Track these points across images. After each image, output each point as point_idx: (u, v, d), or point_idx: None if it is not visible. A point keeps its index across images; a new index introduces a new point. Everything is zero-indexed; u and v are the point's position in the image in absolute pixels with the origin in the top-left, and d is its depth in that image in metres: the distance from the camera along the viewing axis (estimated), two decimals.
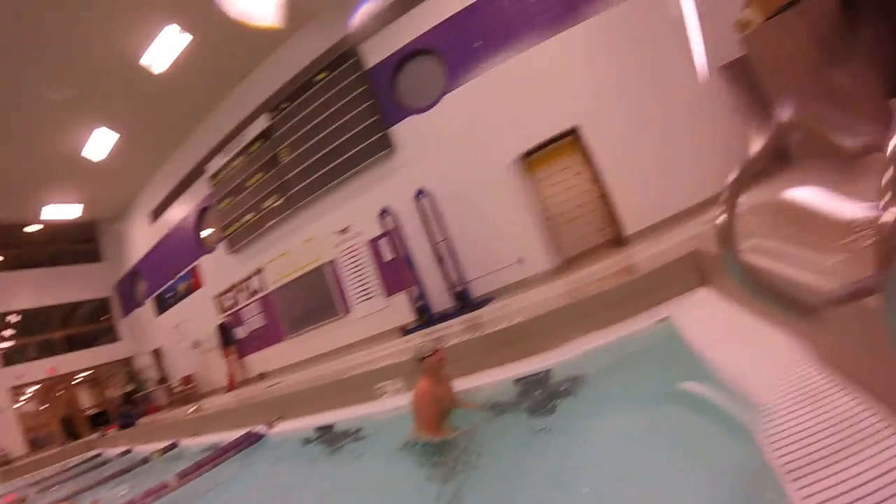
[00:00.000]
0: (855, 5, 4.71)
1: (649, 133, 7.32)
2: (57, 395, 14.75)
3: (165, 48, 9.31)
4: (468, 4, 8.36)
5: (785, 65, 5.32)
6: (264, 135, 9.93)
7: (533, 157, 8.35)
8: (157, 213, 12.95)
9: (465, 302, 7.92)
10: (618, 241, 7.66)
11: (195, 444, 6.03)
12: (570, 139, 8.28)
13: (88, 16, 8.08)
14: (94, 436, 11.72)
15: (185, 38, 9.28)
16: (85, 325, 15.70)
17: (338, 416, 4.31)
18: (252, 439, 4.84)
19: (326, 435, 4.16)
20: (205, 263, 11.92)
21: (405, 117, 8.70)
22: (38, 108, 9.61)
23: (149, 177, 12.80)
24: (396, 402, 3.93)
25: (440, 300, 8.28)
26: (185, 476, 4.25)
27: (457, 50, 8.42)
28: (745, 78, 6.57)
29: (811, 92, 5.10)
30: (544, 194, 9.07)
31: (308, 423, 4.57)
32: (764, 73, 5.84)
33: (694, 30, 7.67)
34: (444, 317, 7.68)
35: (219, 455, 4.58)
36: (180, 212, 12.23)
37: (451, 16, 8.43)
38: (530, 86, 8.04)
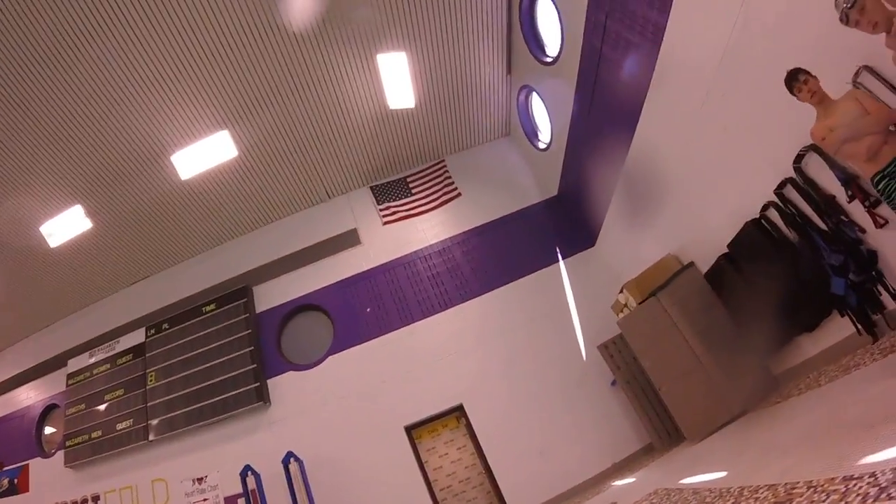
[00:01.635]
0: (719, 282, 5.49)
1: (530, 413, 7.82)
2: None
3: (66, 225, 9.19)
4: (364, 270, 9.00)
5: (658, 343, 6.03)
6: (137, 350, 9.57)
7: (419, 429, 8.52)
8: (2, 389, 11.68)
9: None
10: None
11: None
12: (455, 414, 8.60)
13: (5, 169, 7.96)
14: None
15: (85, 224, 9.23)
16: None
17: None
18: None
19: None
20: (36, 466, 10.58)
21: (286, 371, 8.77)
22: None
23: (3, 347, 11.74)
24: None
25: None
26: None
27: (348, 313, 8.86)
28: (620, 357, 7.37)
29: (685, 366, 5.74)
30: (431, 466, 9.13)
31: None
32: (639, 350, 6.57)
33: (573, 312, 8.64)
34: None
35: None
36: (26, 398, 11.07)
37: (347, 278, 9.03)
38: (418, 358, 8.49)
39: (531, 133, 9.67)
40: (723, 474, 3.42)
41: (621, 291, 6.90)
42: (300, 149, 8.93)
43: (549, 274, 9.04)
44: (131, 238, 9.80)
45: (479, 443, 8.00)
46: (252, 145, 8.69)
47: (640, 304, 6.45)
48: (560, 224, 9.41)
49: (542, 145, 9.48)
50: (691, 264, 6.15)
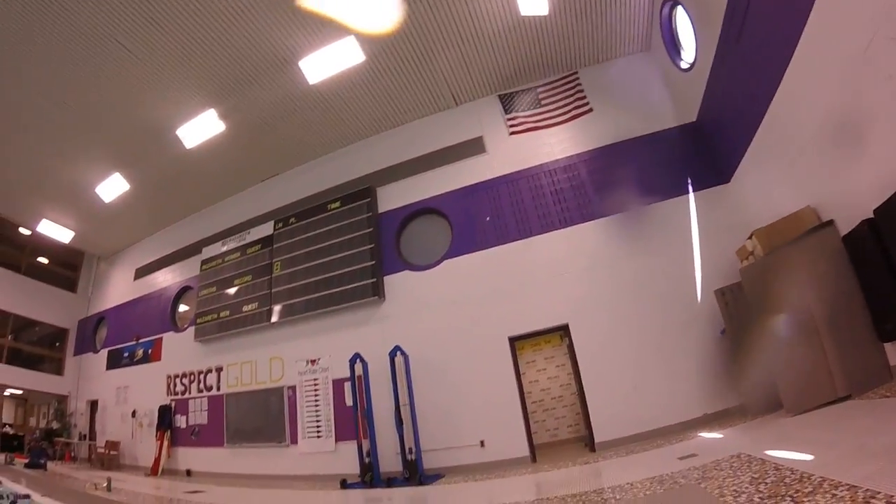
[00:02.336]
0: (856, 250, 4.93)
1: (633, 346, 7.54)
2: None
3: (201, 128, 10.00)
4: (487, 179, 8.93)
5: (778, 300, 5.54)
6: (266, 241, 10.33)
7: (523, 342, 8.50)
8: (143, 272, 13.22)
9: (414, 472, 7.76)
10: (587, 443, 7.61)
11: None
12: (559, 333, 8.49)
13: (145, 76, 8.80)
14: (1, 456, 11.42)
15: (219, 126, 9.96)
16: (35, 345, 15.53)
17: None
18: None
19: None
20: (169, 340, 11.96)
21: (402, 270, 9.02)
22: (72, 133, 10.26)
23: (146, 235, 13.23)
24: None
25: (389, 462, 8.12)
26: None
27: (467, 220, 8.88)
28: (735, 305, 6.85)
29: (800, 332, 5.27)
30: (528, 379, 9.12)
31: None
32: (756, 303, 6.08)
33: (696, 250, 8.10)
34: (390, 481, 7.53)
35: None
36: (164, 280, 12.47)
37: (469, 185, 9.01)
38: (531, 272, 8.38)
39: (673, 50, 8.93)
40: (809, 458, 3.27)
41: (750, 237, 6.30)
42: (428, 53, 8.87)
43: (677, 205, 8.44)
44: (261, 139, 10.44)
45: (577, 364, 7.83)
46: (379, 50, 8.74)
47: (766, 255, 5.83)
48: (695, 153, 8.70)
49: (684, 65, 8.74)
50: (830, 222, 5.35)
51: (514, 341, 8.27)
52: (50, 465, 10.98)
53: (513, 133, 9.26)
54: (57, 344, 15.82)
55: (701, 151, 8.67)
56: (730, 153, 7.90)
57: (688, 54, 8.62)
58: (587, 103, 9.26)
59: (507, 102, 9.49)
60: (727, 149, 7.93)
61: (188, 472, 10.63)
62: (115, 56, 8.31)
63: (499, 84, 9.58)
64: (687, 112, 8.84)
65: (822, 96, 5.04)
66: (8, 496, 7.58)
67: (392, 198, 9.46)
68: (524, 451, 7.62)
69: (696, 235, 8.18)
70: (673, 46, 8.90)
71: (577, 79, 9.44)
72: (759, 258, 6.01)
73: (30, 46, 8.10)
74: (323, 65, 8.79)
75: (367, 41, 8.47)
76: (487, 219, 8.82)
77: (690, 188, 8.52)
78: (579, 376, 7.74)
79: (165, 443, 11.08)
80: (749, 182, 7.56)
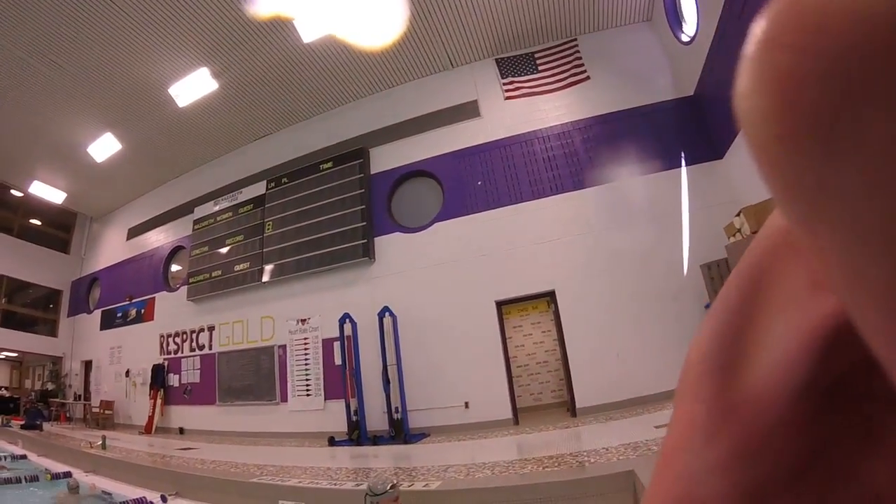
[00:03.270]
0: None
1: (617, 316, 7.77)
2: None
3: (193, 86, 10.05)
4: (480, 143, 9.03)
5: None
6: (257, 201, 10.47)
7: (510, 306, 8.71)
8: (135, 231, 13.38)
9: (400, 431, 8.03)
10: (569, 408, 7.87)
11: (87, 481, 6.07)
12: (546, 299, 8.69)
13: (136, 34, 8.85)
14: None
15: (212, 84, 10.00)
16: (29, 307, 15.76)
17: None
18: None
19: None
20: (162, 299, 12.17)
21: (393, 232, 9.18)
22: (63, 93, 10.33)
23: (138, 195, 13.34)
24: None
25: (376, 420, 8.39)
26: None
27: (459, 183, 9.01)
28: (720, 281, 7.06)
29: None
30: (514, 343, 9.36)
31: None
32: None
33: (685, 224, 8.27)
34: (376, 439, 7.79)
35: None
36: (156, 240, 12.64)
37: (462, 149, 9.11)
38: (520, 238, 8.56)
39: (674, 22, 8.95)
40: None
41: (738, 215, 6.48)
42: (424, 13, 8.84)
43: (668, 178, 8.57)
44: (254, 98, 10.48)
45: (562, 331, 8.04)
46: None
47: (753, 233, 6.01)
48: (690, 127, 8.79)
49: (684, 38, 8.76)
50: None
51: (501, 305, 8.48)
52: (46, 425, 11.20)
53: (508, 98, 9.32)
54: (51, 305, 16.06)
55: (696, 125, 8.76)
56: (725, 129, 8.00)
57: (689, 27, 8.65)
58: (584, 71, 9.30)
59: (503, 66, 9.52)
60: (722, 125, 8.03)
61: (181, 430, 10.95)
62: (106, 13, 8.35)
63: (496, 47, 9.60)
64: (685, 85, 8.92)
65: None
66: (5, 457, 7.88)
67: (385, 159, 9.57)
68: (507, 413, 7.89)
69: (686, 209, 8.33)
70: (675, 18, 8.92)
71: (576, 46, 9.46)
72: (746, 236, 6.17)
73: (17, 6, 8.13)
74: (318, 23, 8.81)
75: None
76: (479, 183, 8.95)
77: (683, 162, 8.63)
78: (563, 343, 7.96)
79: (159, 401, 11.38)
80: (741, 159, 7.69)
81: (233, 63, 9.61)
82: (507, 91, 9.35)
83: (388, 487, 3.02)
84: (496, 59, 9.61)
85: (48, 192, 14.37)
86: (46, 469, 6.82)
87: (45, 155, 12.73)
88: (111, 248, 14.21)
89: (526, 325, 9.88)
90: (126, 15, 8.39)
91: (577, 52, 9.45)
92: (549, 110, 9.21)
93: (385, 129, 9.82)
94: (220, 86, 10.05)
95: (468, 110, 9.42)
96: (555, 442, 5.82)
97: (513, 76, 9.42)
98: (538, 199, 8.76)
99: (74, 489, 5.57)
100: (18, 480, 6.25)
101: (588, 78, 9.30)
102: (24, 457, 8.11)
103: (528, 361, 9.76)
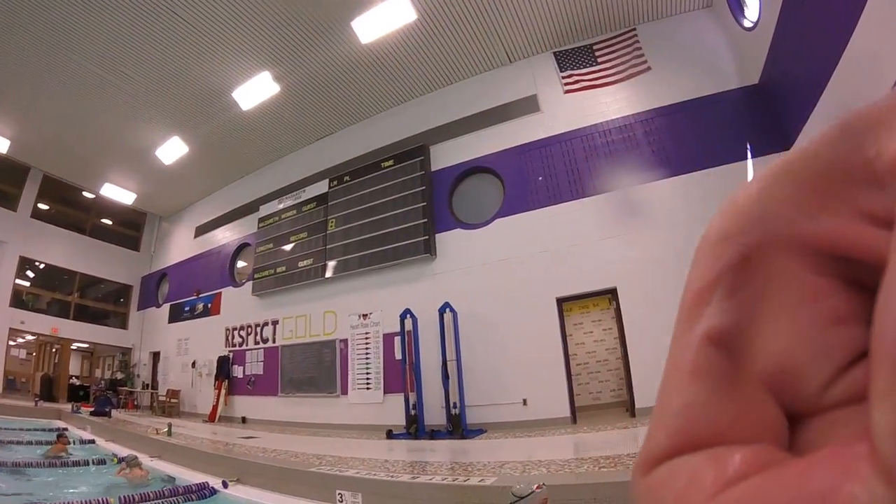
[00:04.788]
0: None
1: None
2: (52, 351, 15.77)
3: (256, 90, 10.63)
4: (541, 138, 9.13)
5: None
6: (321, 199, 10.95)
7: (571, 303, 8.77)
8: (202, 230, 14.22)
9: (457, 426, 8.22)
10: (629, 408, 7.87)
11: (151, 466, 6.47)
12: (607, 296, 8.71)
13: (200, 44, 9.51)
14: (68, 405, 12.46)
15: (274, 88, 10.53)
16: (101, 301, 16.97)
17: None
18: (204, 491, 5.21)
19: None
20: (227, 294, 12.90)
21: (453, 228, 9.41)
22: (132, 101, 11.19)
23: (204, 195, 14.17)
24: None
25: (434, 415, 8.62)
26: (127, 502, 4.55)
27: (519, 179, 9.15)
28: None
29: None
30: (574, 341, 9.41)
31: (261, 497, 5.00)
32: None
33: None
34: (434, 434, 8.01)
35: (167, 494, 4.96)
36: (222, 237, 13.39)
37: (522, 144, 9.24)
38: (582, 234, 8.60)
39: (736, 7, 8.75)
40: None
41: None
42: (481, 10, 9.02)
43: (733, 171, 8.36)
44: (316, 99, 10.97)
45: (623, 329, 8.00)
46: (431, 7, 8.92)
47: None
48: (756, 117, 8.55)
49: (747, 23, 8.56)
50: None
51: (562, 302, 8.54)
52: (114, 412, 11.84)
53: (568, 91, 9.38)
54: (121, 300, 17.26)
55: (763, 115, 8.54)
56: (792, 118, 7.76)
57: (751, 12, 8.46)
58: (645, 62, 9.24)
59: (562, 60, 9.58)
60: (790, 113, 7.80)
61: (243, 420, 11.56)
62: (172, 25, 9.01)
63: (554, 41, 9.68)
64: (749, 73, 8.71)
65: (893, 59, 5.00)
66: (75, 441, 8.46)
67: (445, 156, 9.82)
68: (565, 411, 7.95)
69: None
70: (736, 3, 8.74)
71: (636, 36, 9.41)
72: None
73: (89, 22, 8.86)
74: (375, 24, 9.08)
75: None
76: (540, 178, 9.06)
77: (749, 154, 8.45)
78: (624, 341, 7.95)
79: (223, 391, 12.05)
80: None
81: (294, 66, 10.08)
82: (566, 85, 9.41)
83: (535, 488, 2.81)
84: (554, 53, 9.68)
85: (119, 193, 15.47)
86: (114, 453, 7.27)
87: (116, 158, 13.72)
88: (179, 246, 15.17)
89: (587, 323, 9.92)
90: (190, 26, 9.03)
91: (637, 42, 9.40)
92: (610, 103, 9.20)
93: (445, 126, 10.09)
94: (282, 88, 10.56)
95: (528, 105, 9.54)
96: (612, 442, 5.85)
97: (572, 69, 9.47)
98: (600, 194, 8.78)
99: (134, 461, 5.96)
100: (87, 463, 6.71)
101: (649, 68, 9.23)
102: (92, 441, 8.63)
103: (588, 360, 9.80)
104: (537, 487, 2.78)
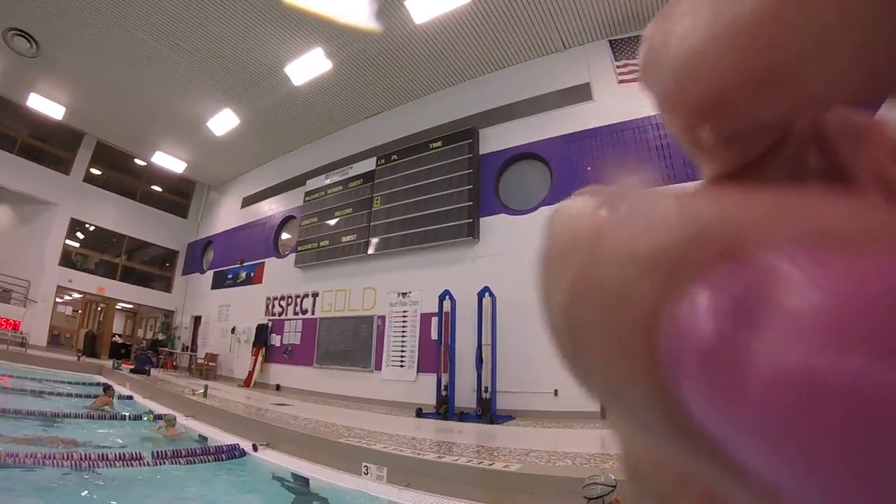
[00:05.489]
0: None
1: None
2: (97, 309, 16.66)
3: (308, 66, 10.89)
4: (592, 128, 9.09)
5: None
6: (367, 176, 11.18)
7: None
8: (249, 201, 14.71)
9: (487, 410, 8.34)
10: None
11: (186, 425, 6.79)
12: None
13: (252, 18, 9.78)
14: (109, 362, 13.10)
15: (326, 64, 10.76)
16: (147, 265, 17.78)
17: (317, 474, 4.82)
18: (234, 452, 5.47)
19: (300, 487, 4.72)
20: (270, 265, 13.34)
21: (498, 213, 9.50)
22: (186, 73, 11.66)
23: (253, 167, 14.62)
24: (373, 487, 4.42)
25: (464, 397, 8.74)
26: (159, 457, 4.82)
27: (568, 168, 9.14)
28: None
29: None
30: None
31: (289, 463, 5.17)
32: None
33: None
34: (463, 416, 8.17)
35: (199, 453, 5.22)
36: (268, 209, 13.83)
37: (572, 133, 9.21)
38: None
39: None
40: None
41: None
42: None
43: None
44: (366, 77, 11.14)
45: None
46: None
47: None
48: None
49: None
50: None
51: None
52: (153, 371, 12.35)
53: (622, 81, 9.27)
54: (167, 264, 18.04)
55: None
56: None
57: None
58: None
59: (618, 48, 9.46)
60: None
61: (278, 387, 12.01)
62: (226, 1, 9.28)
63: (611, 29, 9.55)
64: None
65: None
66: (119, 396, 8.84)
67: (494, 140, 9.88)
68: (596, 406, 7.98)
69: None
70: None
71: None
72: None
73: None
74: (429, 4, 9.13)
75: None
76: (588, 168, 9.03)
77: None
78: None
79: (260, 358, 12.54)
80: None
81: (346, 43, 10.25)
82: (621, 74, 9.31)
83: (614, 481, 2.67)
84: (610, 41, 9.56)
85: (170, 161, 16.12)
86: (150, 410, 7.60)
87: (168, 128, 14.29)
88: (226, 215, 15.74)
89: None
90: (245, 1, 9.26)
91: None
92: None
93: (495, 111, 10.12)
94: (334, 65, 10.77)
95: (580, 93, 9.48)
96: None
97: (627, 59, 9.35)
98: (648, 188, 8.71)
99: (172, 421, 6.30)
100: (123, 418, 7.09)
101: None
102: (130, 397, 9.06)
103: None
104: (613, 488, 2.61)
